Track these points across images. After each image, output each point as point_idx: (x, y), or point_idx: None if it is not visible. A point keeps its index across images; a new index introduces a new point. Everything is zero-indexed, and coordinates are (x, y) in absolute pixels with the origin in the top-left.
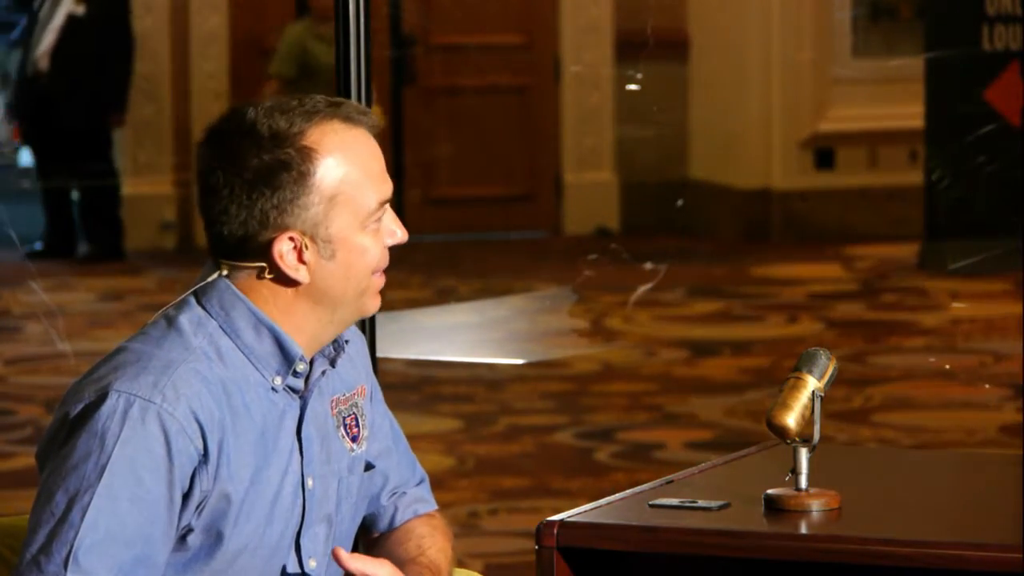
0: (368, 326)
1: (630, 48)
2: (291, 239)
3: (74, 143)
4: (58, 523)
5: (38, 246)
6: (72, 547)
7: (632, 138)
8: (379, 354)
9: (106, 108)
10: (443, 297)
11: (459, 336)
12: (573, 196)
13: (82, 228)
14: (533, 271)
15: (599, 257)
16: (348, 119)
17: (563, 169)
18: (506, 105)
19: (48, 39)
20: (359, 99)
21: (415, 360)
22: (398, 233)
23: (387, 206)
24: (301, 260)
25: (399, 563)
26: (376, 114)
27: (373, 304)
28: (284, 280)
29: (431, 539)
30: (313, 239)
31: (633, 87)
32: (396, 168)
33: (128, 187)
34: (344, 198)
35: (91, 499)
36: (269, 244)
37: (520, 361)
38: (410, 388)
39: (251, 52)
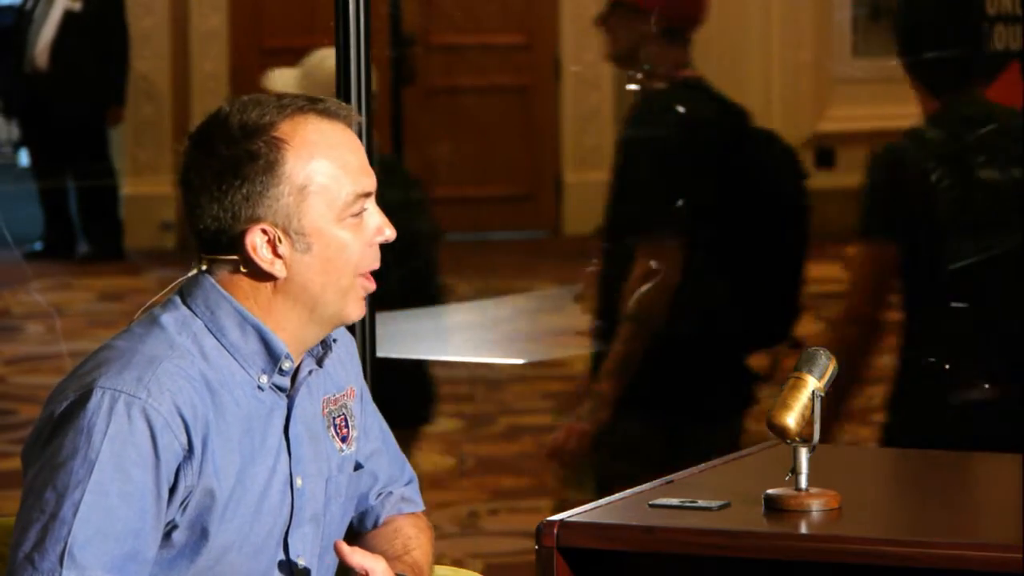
0: (368, 326)
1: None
2: (264, 231)
3: (70, 141)
4: (49, 520)
5: (38, 246)
6: (67, 543)
7: None
8: (379, 354)
9: (102, 105)
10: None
11: (459, 336)
12: (573, 196)
13: (81, 228)
14: (533, 271)
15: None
16: (324, 112)
17: (563, 169)
18: (506, 105)
19: (45, 36)
20: (359, 99)
21: (415, 360)
22: (386, 231)
23: (371, 202)
24: (276, 254)
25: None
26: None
27: (356, 310)
28: (261, 275)
29: (416, 540)
30: (286, 231)
31: (633, 87)
32: None
33: (128, 187)
34: (316, 188)
35: (82, 495)
36: (242, 237)
37: (520, 361)
38: None
39: (251, 52)
